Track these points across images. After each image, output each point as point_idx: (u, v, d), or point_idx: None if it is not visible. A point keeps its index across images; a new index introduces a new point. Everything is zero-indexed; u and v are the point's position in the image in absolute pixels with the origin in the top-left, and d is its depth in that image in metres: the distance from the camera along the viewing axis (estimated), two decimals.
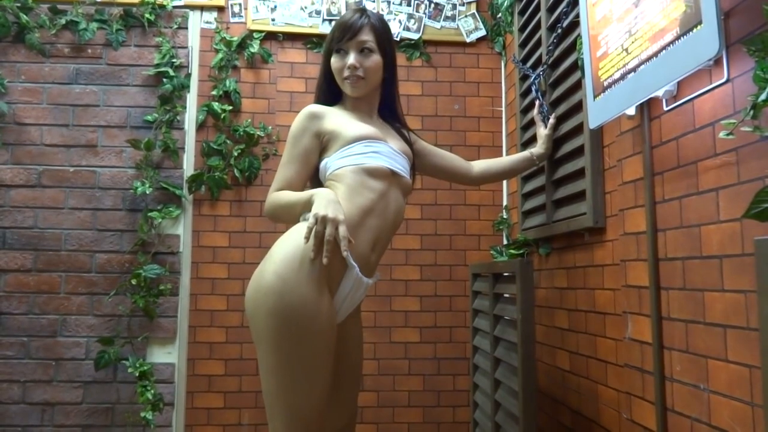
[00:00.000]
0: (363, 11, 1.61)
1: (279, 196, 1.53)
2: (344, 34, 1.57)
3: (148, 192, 2.49)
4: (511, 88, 2.60)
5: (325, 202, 1.40)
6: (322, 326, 1.38)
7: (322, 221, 1.37)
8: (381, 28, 1.60)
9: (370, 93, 1.64)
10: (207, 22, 2.67)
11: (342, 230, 1.37)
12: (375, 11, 1.75)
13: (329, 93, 1.67)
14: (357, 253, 1.46)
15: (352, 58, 1.56)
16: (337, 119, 1.58)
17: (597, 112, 1.52)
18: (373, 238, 1.51)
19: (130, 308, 2.49)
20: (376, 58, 1.58)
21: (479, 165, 1.91)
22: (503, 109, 2.74)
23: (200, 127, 2.61)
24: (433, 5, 2.73)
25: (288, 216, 1.53)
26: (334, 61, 1.60)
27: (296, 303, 1.35)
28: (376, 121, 1.68)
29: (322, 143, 1.57)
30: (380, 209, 1.52)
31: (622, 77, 1.38)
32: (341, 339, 1.54)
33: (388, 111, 1.73)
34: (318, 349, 1.38)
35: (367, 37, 1.57)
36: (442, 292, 2.64)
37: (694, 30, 1.10)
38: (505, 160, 1.97)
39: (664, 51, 1.21)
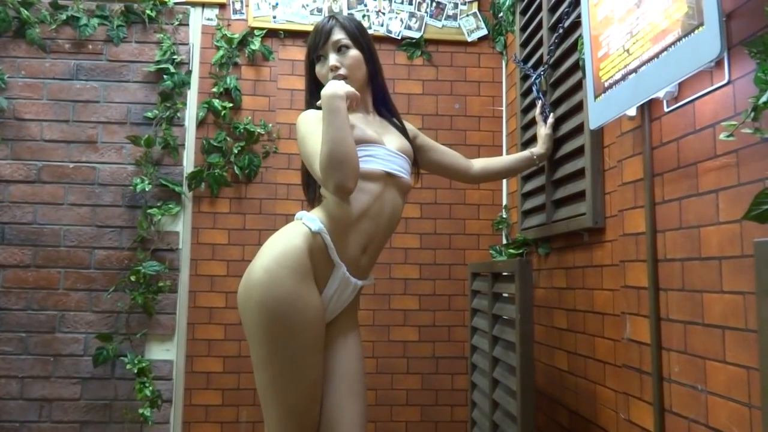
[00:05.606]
0: (331, 16, 1.66)
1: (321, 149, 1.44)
2: (318, 40, 1.61)
3: (147, 189, 2.49)
4: (512, 87, 2.60)
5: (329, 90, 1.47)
6: (309, 318, 1.41)
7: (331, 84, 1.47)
8: (351, 25, 1.64)
9: (359, 91, 1.63)
10: (208, 19, 2.67)
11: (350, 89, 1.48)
12: (345, 14, 1.79)
13: None
14: (346, 255, 1.50)
15: (331, 59, 1.60)
16: None
17: (597, 113, 1.52)
18: (365, 241, 1.53)
19: (128, 305, 2.48)
20: (354, 53, 1.61)
21: (479, 163, 1.92)
22: (504, 108, 2.74)
23: (200, 124, 2.61)
24: (434, 4, 2.73)
25: (342, 140, 1.40)
26: (318, 69, 1.64)
27: (282, 296, 1.39)
28: (373, 119, 1.68)
29: None
30: (374, 211, 1.53)
31: (623, 78, 1.38)
32: (331, 345, 1.56)
33: (383, 106, 1.73)
34: (306, 341, 1.41)
35: (339, 35, 1.61)
36: (441, 291, 2.64)
37: (696, 31, 1.10)
38: (505, 159, 1.99)
39: (665, 52, 1.21)
